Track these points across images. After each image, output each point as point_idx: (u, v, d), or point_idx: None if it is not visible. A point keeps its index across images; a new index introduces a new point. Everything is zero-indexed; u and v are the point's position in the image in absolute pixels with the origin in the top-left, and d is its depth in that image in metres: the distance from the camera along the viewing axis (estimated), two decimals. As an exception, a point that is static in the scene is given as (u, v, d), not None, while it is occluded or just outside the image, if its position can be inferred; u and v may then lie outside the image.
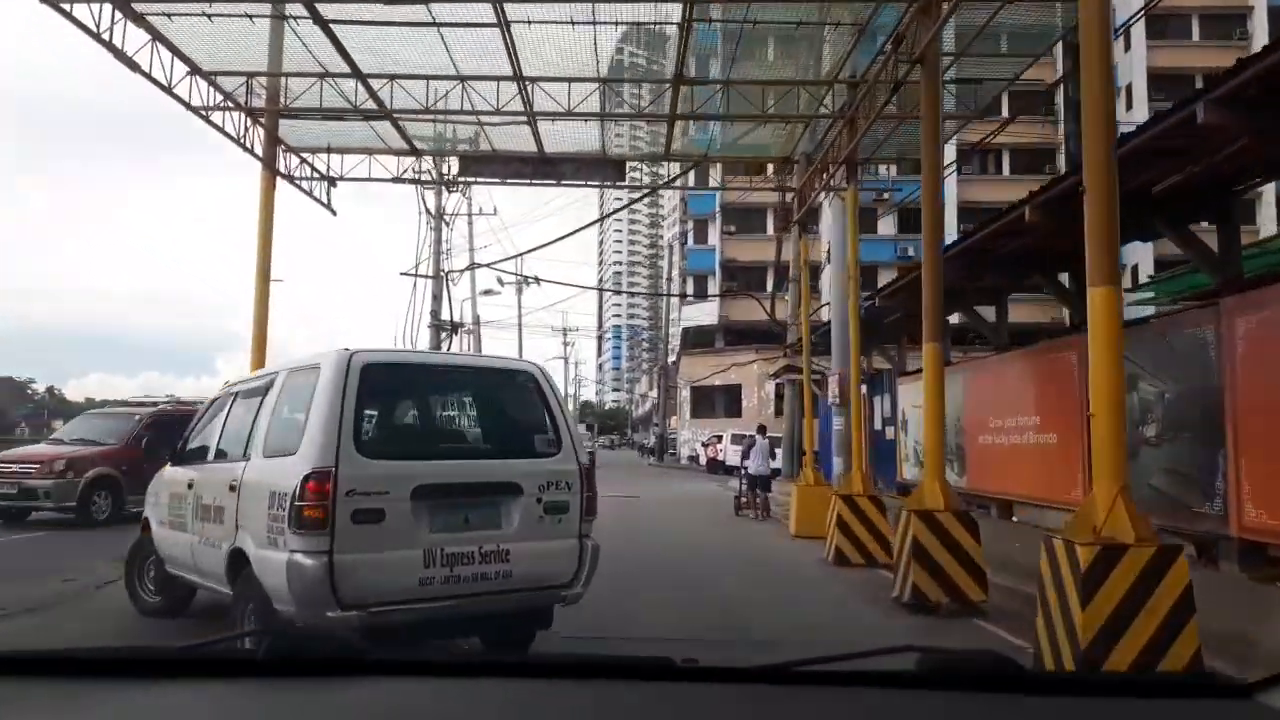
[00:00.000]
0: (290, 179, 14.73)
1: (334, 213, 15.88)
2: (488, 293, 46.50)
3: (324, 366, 5.48)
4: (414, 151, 15.37)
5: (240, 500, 5.79)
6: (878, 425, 20.83)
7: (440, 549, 5.41)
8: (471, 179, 15.89)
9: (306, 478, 5.11)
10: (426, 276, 37.45)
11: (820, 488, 14.73)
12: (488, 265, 39.01)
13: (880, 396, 22.05)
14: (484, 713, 1.43)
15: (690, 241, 51.64)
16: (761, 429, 21.11)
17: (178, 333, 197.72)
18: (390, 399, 6.23)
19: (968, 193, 45.06)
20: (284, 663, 1.60)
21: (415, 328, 43.86)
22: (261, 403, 6.18)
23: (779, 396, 43.61)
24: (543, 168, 15.73)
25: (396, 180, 15.62)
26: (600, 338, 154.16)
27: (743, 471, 20.36)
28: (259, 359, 13.81)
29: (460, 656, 2.04)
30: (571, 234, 21.11)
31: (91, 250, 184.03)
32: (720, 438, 40.55)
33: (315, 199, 15.37)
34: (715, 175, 16.48)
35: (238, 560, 5.65)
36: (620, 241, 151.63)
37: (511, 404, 6.43)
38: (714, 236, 49.33)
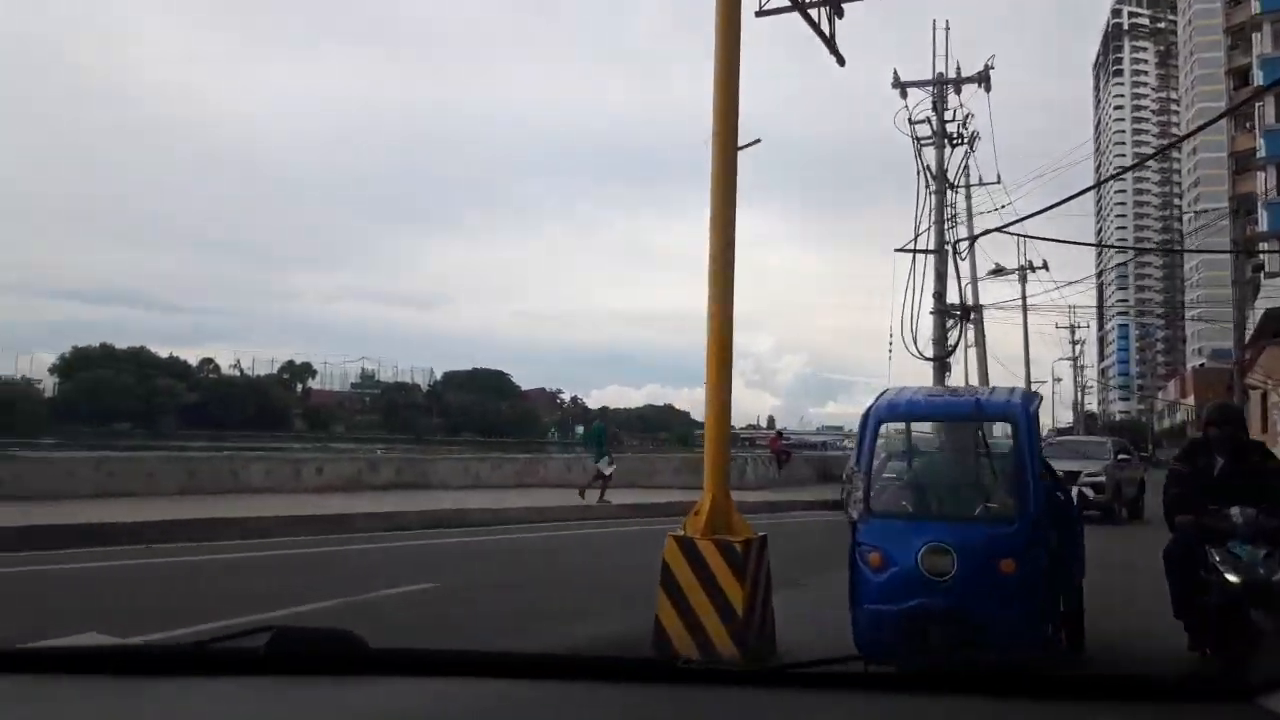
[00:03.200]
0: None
1: (841, 60, 8.93)
2: (998, 272, 36.78)
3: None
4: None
5: None
6: None
7: None
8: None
9: None
10: (926, 251, 29.72)
11: None
12: (999, 229, 29.78)
13: None
14: (484, 711, 1.38)
15: (1271, 190, 37.36)
16: None
17: (674, 349, 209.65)
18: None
19: None
20: (286, 660, 1.46)
21: (915, 314, 35.49)
22: None
23: None
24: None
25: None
26: (1102, 339, 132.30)
27: None
28: (723, 294, 7.20)
29: (461, 655, 1.55)
30: (1075, 196, 13.48)
31: (608, 276, 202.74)
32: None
33: (814, 25, 8.54)
34: None
35: None
36: (1124, 221, 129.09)
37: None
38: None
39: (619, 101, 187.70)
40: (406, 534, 12.14)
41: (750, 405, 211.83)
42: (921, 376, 30.29)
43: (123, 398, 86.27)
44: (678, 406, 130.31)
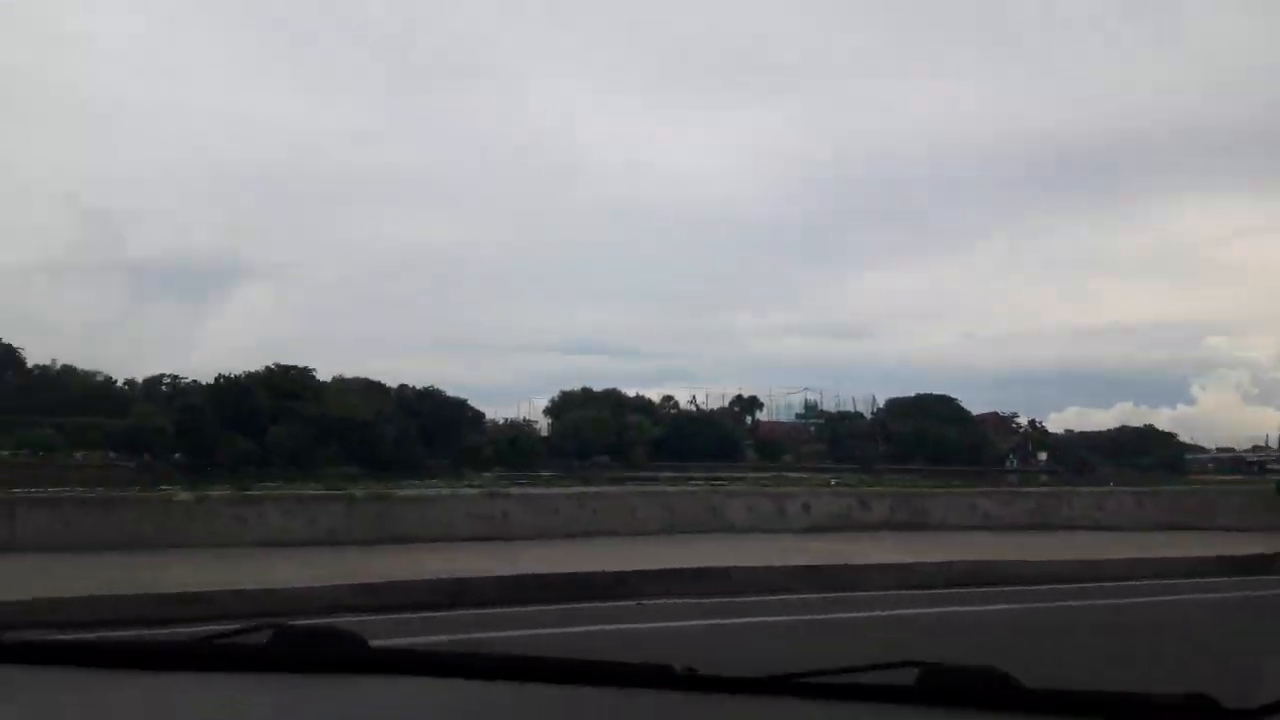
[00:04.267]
0: None
1: None
2: None
3: None
4: None
5: None
6: None
7: None
8: None
9: None
10: None
11: None
12: None
13: None
14: (483, 713, 1.37)
15: None
16: None
17: (1149, 362, 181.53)
18: None
19: None
20: (288, 657, 1.45)
21: None
22: None
23: None
24: None
25: None
26: None
27: None
28: None
29: (462, 657, 1.52)
30: None
31: (1059, 289, 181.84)
32: None
33: None
34: None
35: None
36: None
37: None
38: None
39: (1046, 106, 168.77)
40: (932, 594, 9.22)
41: (1252, 423, 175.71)
42: None
43: (600, 434, 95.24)
44: (1159, 427, 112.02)
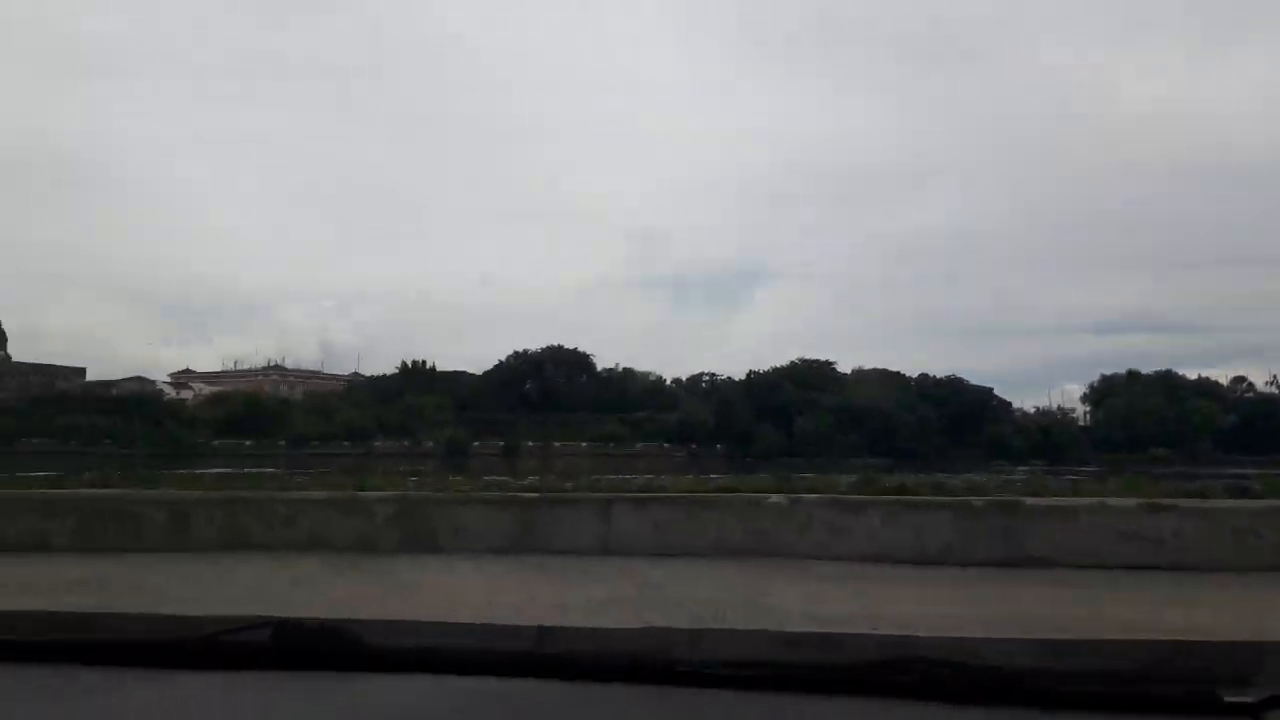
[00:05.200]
0: None
1: None
2: None
3: None
4: None
5: None
6: None
7: None
8: None
9: None
10: None
11: None
12: None
13: None
14: (485, 709, 1.34)
15: None
16: None
17: None
18: None
19: None
20: (290, 655, 1.45)
21: None
22: None
23: None
24: None
25: None
26: None
27: None
28: None
29: (462, 653, 1.51)
30: None
31: None
32: None
33: None
34: None
35: None
36: None
37: None
38: None
39: None
40: None
41: None
42: None
43: (1153, 422, 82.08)
44: None
